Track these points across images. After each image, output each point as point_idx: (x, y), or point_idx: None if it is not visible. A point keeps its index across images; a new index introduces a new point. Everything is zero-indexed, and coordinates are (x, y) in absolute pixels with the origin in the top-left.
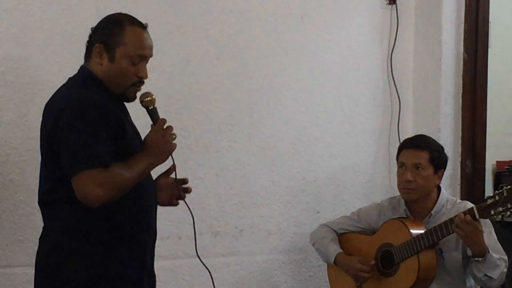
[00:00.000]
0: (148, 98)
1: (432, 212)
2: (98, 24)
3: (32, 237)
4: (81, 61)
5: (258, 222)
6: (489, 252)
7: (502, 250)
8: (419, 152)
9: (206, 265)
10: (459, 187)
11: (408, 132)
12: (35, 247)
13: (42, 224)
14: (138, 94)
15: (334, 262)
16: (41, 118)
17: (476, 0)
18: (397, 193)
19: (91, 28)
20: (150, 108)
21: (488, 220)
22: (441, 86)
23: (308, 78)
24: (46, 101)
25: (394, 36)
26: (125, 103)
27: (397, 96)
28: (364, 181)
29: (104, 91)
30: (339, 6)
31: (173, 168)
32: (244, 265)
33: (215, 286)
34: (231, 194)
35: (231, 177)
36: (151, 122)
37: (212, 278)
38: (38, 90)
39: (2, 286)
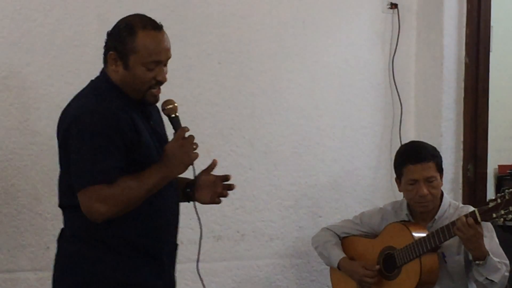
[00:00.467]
0: (170, 106)
1: (435, 217)
2: (112, 29)
3: (34, 242)
4: (83, 66)
5: (260, 227)
6: (489, 255)
7: (504, 254)
8: (426, 164)
9: (203, 272)
10: (461, 191)
11: (410, 136)
12: (37, 251)
13: (44, 229)
14: (163, 98)
15: (338, 267)
16: (42, 122)
17: (478, 4)
18: (399, 198)
19: (107, 33)
20: (172, 116)
21: (490, 225)
22: (442, 90)
23: (309, 82)
24: (48, 106)
25: (396, 40)
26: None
27: (398, 100)
28: (365, 185)
29: (123, 97)
30: (340, 11)
31: (214, 165)
32: (246, 270)
33: None
34: (232, 198)
35: (233, 182)
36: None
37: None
38: (39, 95)
39: None
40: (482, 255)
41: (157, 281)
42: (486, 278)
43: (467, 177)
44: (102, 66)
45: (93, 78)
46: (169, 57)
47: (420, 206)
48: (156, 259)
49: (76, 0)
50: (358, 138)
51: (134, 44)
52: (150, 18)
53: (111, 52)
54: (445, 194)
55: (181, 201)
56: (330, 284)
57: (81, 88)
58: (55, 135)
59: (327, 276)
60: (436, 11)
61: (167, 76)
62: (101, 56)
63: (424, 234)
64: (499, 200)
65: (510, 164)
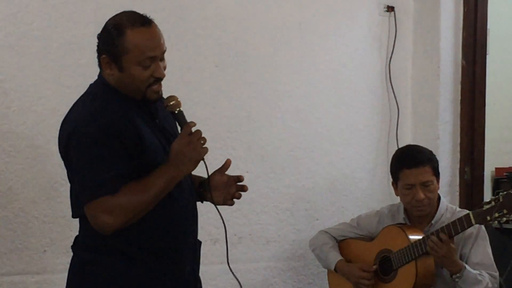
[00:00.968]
0: (172, 102)
1: (432, 222)
2: (101, 31)
3: (30, 245)
4: (80, 69)
5: (257, 230)
6: (465, 268)
7: (494, 265)
8: (423, 169)
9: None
10: (457, 194)
11: (407, 139)
12: (33, 255)
13: (41, 232)
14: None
15: (335, 269)
16: (39, 126)
17: (475, 7)
18: (396, 201)
19: (97, 36)
20: (175, 112)
21: (483, 233)
22: (439, 93)
23: (306, 85)
24: (45, 109)
25: (393, 43)
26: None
27: (395, 103)
28: (363, 188)
29: (122, 99)
30: (337, 14)
31: (227, 165)
32: (243, 273)
33: None
34: None
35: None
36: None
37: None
38: (36, 98)
39: None
40: (457, 269)
41: (176, 285)
42: None
43: (464, 179)
44: (98, 69)
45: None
46: (163, 51)
47: (417, 210)
48: (174, 263)
49: (72, 3)
50: (355, 141)
51: (125, 45)
52: (138, 14)
53: (103, 56)
54: (442, 198)
55: (196, 200)
56: (327, 287)
57: (78, 91)
58: (52, 138)
59: (324, 279)
60: (433, 14)
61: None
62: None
63: (420, 237)
64: (493, 203)
65: (507, 166)
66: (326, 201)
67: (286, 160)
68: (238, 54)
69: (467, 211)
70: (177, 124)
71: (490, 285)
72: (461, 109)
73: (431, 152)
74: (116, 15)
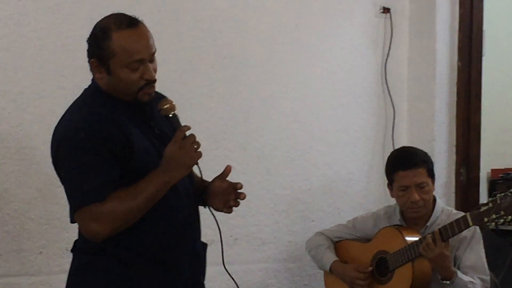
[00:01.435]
0: (166, 106)
1: (427, 224)
2: (89, 35)
3: (26, 247)
4: (75, 71)
5: (253, 231)
6: (457, 276)
7: (486, 270)
8: (417, 170)
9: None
10: (453, 195)
11: (403, 140)
12: (29, 256)
13: (36, 234)
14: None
15: (330, 270)
16: (35, 127)
17: (470, 8)
18: (392, 202)
19: (86, 40)
20: (169, 116)
21: (478, 236)
22: (435, 95)
23: (302, 87)
24: (41, 110)
25: (388, 44)
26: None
27: (391, 105)
28: (358, 189)
29: (113, 103)
30: (333, 15)
31: (228, 171)
32: (239, 274)
33: None
34: None
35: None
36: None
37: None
38: (32, 100)
39: None
40: (449, 276)
41: None
42: None
43: (459, 181)
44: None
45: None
46: (152, 52)
47: (412, 212)
48: (170, 268)
49: (68, 4)
50: (351, 142)
51: (111, 48)
52: (125, 16)
53: (92, 60)
54: (438, 200)
55: (199, 205)
56: None
57: (74, 92)
58: (48, 140)
59: (320, 280)
60: (429, 16)
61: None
62: None
63: (417, 238)
64: (490, 205)
65: (502, 168)
66: (322, 202)
67: (282, 161)
68: (234, 56)
69: (463, 213)
70: (172, 128)
71: None
72: (457, 110)
73: (426, 153)
74: (104, 18)
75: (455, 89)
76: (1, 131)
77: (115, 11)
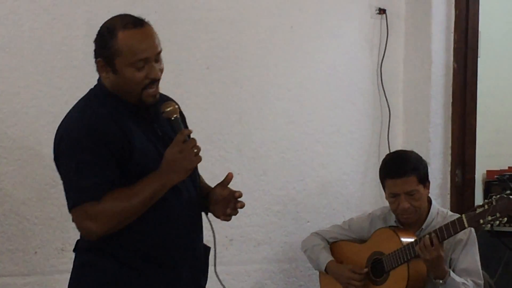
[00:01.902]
0: (168, 109)
1: (423, 226)
2: (96, 35)
3: (21, 247)
4: (71, 71)
5: (248, 232)
6: (450, 275)
7: (480, 273)
8: (407, 179)
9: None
10: (449, 196)
11: (398, 141)
12: (24, 256)
13: (32, 234)
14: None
15: (325, 270)
16: (30, 127)
17: (466, 10)
18: (388, 203)
19: (94, 41)
20: (171, 119)
21: (473, 238)
22: (430, 96)
23: (298, 87)
24: (37, 110)
25: (384, 45)
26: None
27: (387, 106)
28: (354, 190)
29: (116, 104)
30: (329, 16)
31: (230, 178)
32: (234, 275)
33: None
34: None
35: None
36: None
37: None
38: (28, 100)
39: None
40: (442, 275)
41: None
42: None
43: (455, 182)
44: (90, 71)
45: (81, 83)
46: (157, 52)
47: (403, 218)
48: (170, 268)
49: (64, 5)
50: (346, 143)
51: (117, 47)
52: (131, 16)
53: (98, 59)
54: (433, 202)
55: (202, 211)
56: None
57: (69, 93)
58: (44, 140)
59: (315, 281)
60: (424, 17)
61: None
62: (90, 61)
63: (412, 240)
64: (486, 206)
65: (498, 169)
66: (317, 203)
67: (277, 162)
68: (229, 56)
69: (459, 215)
70: (174, 131)
71: None
72: (452, 112)
73: (418, 158)
74: (111, 18)
75: (450, 90)
76: None
77: (111, 12)
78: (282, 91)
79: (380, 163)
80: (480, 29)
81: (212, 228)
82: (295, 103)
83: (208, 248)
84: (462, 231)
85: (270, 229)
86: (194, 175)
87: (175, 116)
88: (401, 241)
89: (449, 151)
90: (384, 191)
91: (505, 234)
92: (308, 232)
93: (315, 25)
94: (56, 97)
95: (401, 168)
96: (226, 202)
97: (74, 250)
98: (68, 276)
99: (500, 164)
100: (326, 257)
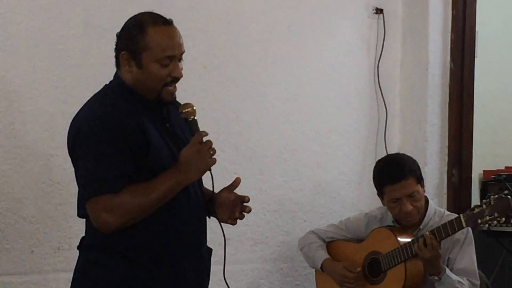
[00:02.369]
0: (187, 110)
1: (420, 226)
2: (122, 29)
3: (18, 246)
4: (68, 70)
5: (245, 231)
6: (445, 272)
7: (476, 274)
8: (406, 182)
9: None
10: (445, 196)
11: (395, 141)
12: (21, 255)
13: (28, 232)
14: (182, 100)
15: (321, 268)
16: (27, 126)
17: (463, 10)
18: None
19: (116, 34)
20: (188, 120)
21: (470, 238)
22: (427, 96)
23: (295, 87)
24: (34, 109)
25: (381, 45)
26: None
27: (384, 105)
28: (350, 190)
29: (134, 100)
30: (326, 15)
31: (237, 183)
32: (231, 274)
33: None
34: None
35: (218, 186)
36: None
37: None
38: (24, 99)
39: None
40: (437, 272)
41: None
42: None
43: (451, 182)
44: (87, 69)
45: (78, 82)
46: (182, 52)
47: (407, 221)
48: (176, 268)
49: (61, 3)
50: (343, 143)
51: (146, 41)
52: (159, 14)
53: (123, 52)
54: (430, 202)
55: (205, 214)
56: None
57: (66, 91)
58: (40, 139)
59: (311, 280)
60: (421, 16)
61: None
62: (87, 60)
63: (409, 239)
64: (484, 206)
65: (495, 169)
66: (314, 202)
67: (274, 161)
68: (226, 56)
69: (456, 215)
70: (190, 131)
71: None
72: (449, 111)
73: (411, 159)
74: (137, 14)
75: (447, 90)
76: None
77: (108, 11)
78: (279, 90)
79: (373, 171)
80: (477, 29)
81: (223, 230)
82: (292, 102)
83: (211, 250)
84: (460, 231)
85: (267, 229)
86: (200, 177)
87: (192, 117)
88: (398, 241)
89: (446, 151)
90: (382, 198)
91: (502, 234)
92: (305, 231)
93: (312, 25)
94: (53, 96)
95: (398, 172)
96: (232, 206)
97: (78, 248)
98: (64, 275)
99: (496, 164)
100: (322, 255)
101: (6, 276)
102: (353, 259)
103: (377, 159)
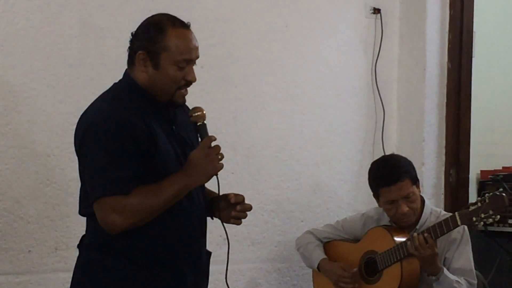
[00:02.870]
0: (197, 113)
1: (417, 226)
2: (138, 29)
3: (15, 246)
4: (65, 70)
5: (242, 231)
6: (443, 272)
7: (473, 273)
8: (402, 183)
9: None
10: (443, 196)
11: (392, 141)
12: (18, 255)
13: (25, 232)
14: (192, 105)
15: (318, 268)
16: (24, 126)
17: (461, 10)
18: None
19: (131, 33)
20: (198, 124)
21: (467, 237)
22: (425, 96)
23: (292, 87)
24: (31, 109)
25: (379, 45)
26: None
27: (381, 105)
28: (348, 190)
29: (143, 100)
30: (323, 15)
31: (241, 200)
32: (228, 274)
33: None
34: None
35: (216, 187)
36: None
37: None
38: (22, 98)
39: None
40: (435, 271)
41: None
42: None
43: (449, 182)
44: (84, 69)
45: (75, 81)
46: (197, 57)
47: (403, 222)
48: (176, 270)
49: (58, 4)
50: (340, 143)
51: (165, 42)
52: (177, 17)
53: (140, 52)
54: (426, 202)
55: (206, 215)
56: None
57: (64, 91)
58: (38, 138)
59: (309, 280)
60: (419, 17)
61: None
62: (84, 59)
63: (405, 239)
64: (479, 204)
65: (492, 169)
66: (311, 202)
67: (272, 161)
68: (223, 56)
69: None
70: (199, 135)
71: None
72: (447, 111)
73: (406, 160)
74: (155, 15)
75: (445, 90)
76: None
77: (106, 11)
78: (277, 90)
79: (368, 173)
80: (474, 29)
81: (226, 233)
82: (290, 102)
83: (210, 253)
84: (456, 230)
85: (264, 229)
86: (207, 182)
87: (202, 121)
88: (394, 240)
89: (443, 151)
90: (377, 200)
91: (499, 234)
92: (302, 231)
93: (310, 25)
94: (50, 96)
95: (394, 174)
96: (234, 207)
97: (78, 246)
98: (62, 274)
99: (494, 164)
100: (319, 255)
101: (4, 275)
102: (350, 259)
103: (374, 159)
